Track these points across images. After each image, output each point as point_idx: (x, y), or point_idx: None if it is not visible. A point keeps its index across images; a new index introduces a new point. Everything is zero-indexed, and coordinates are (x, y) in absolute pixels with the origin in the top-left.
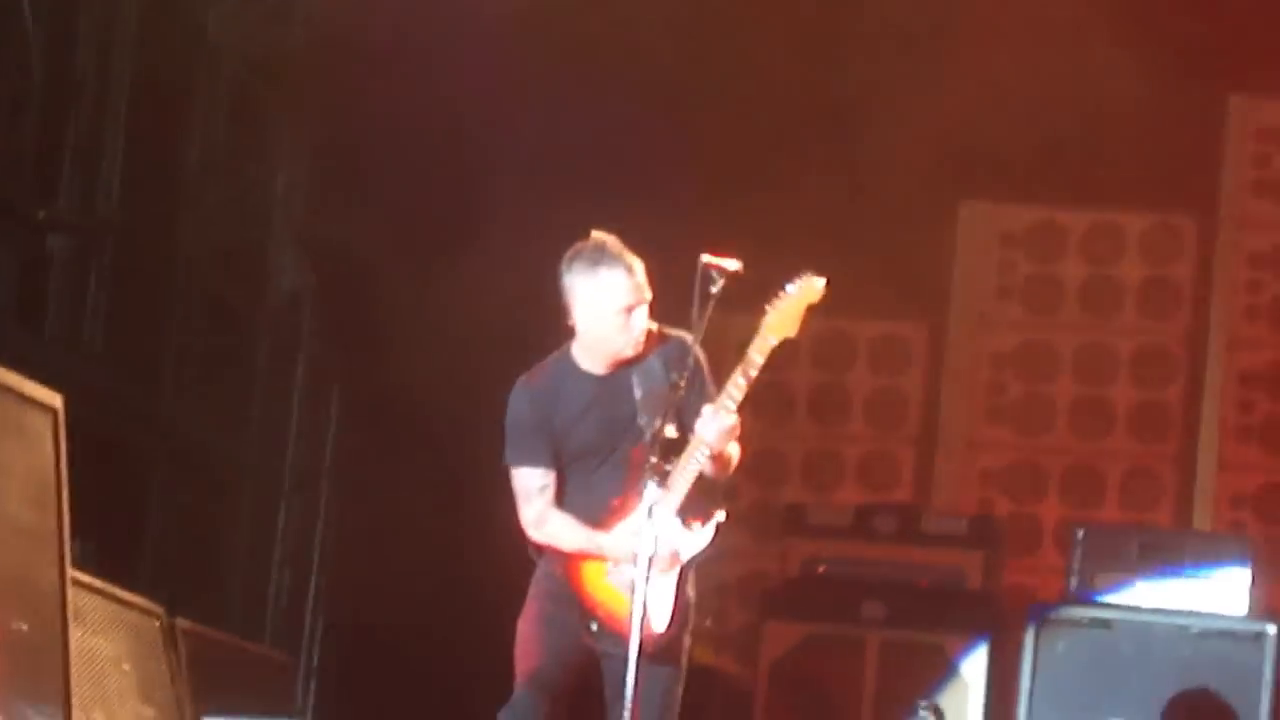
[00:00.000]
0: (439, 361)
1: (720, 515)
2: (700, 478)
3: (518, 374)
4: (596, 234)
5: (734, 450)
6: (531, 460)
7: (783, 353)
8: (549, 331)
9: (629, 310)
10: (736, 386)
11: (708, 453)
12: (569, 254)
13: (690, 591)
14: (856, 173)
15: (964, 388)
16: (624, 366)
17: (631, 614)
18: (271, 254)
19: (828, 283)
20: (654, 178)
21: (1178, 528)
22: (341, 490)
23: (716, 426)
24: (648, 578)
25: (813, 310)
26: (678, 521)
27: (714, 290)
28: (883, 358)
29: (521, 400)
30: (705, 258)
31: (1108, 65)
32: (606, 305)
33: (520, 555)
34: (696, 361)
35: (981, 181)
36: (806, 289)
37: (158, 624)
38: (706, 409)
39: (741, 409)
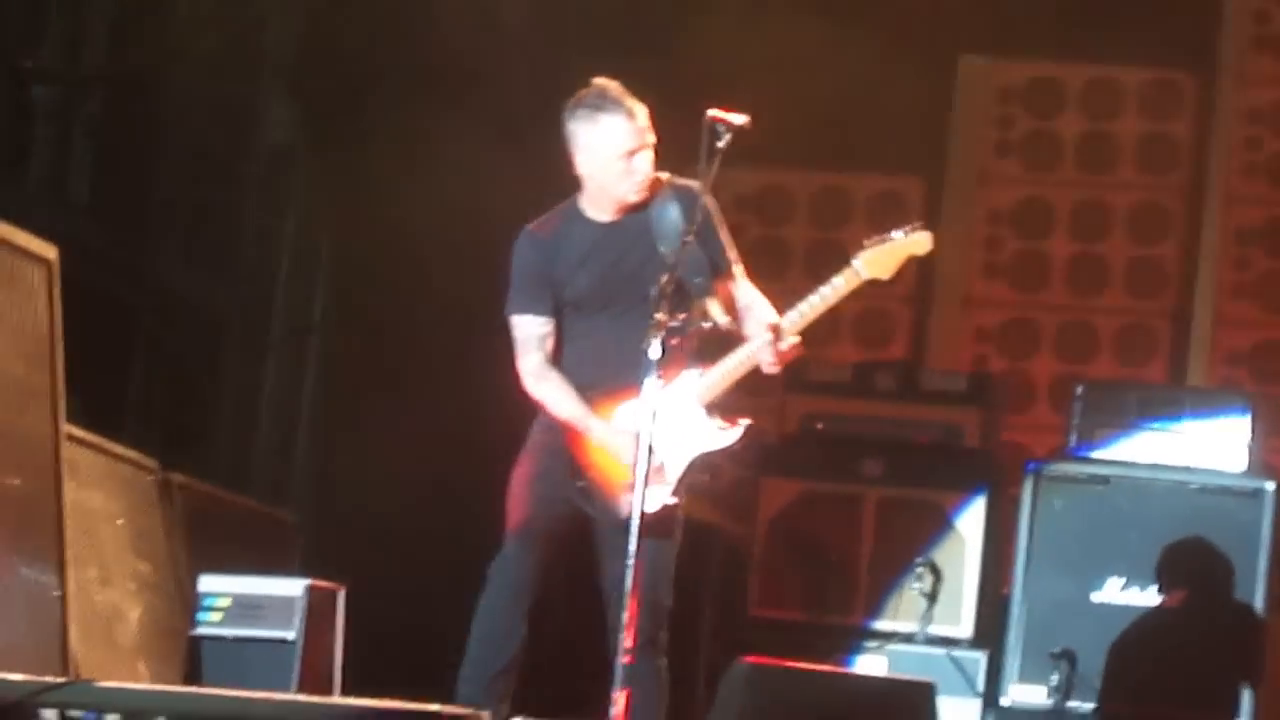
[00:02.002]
0: (433, 215)
1: (747, 421)
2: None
3: (516, 226)
4: (598, 80)
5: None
6: (531, 308)
7: (780, 206)
8: (549, 187)
9: (631, 154)
10: (810, 306)
11: (755, 358)
12: (571, 101)
13: (690, 479)
14: (854, 25)
15: (960, 244)
16: (632, 213)
17: (621, 483)
18: (261, 105)
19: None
20: (652, 30)
21: (1173, 384)
22: (331, 344)
23: (778, 351)
24: (650, 452)
25: (911, 260)
26: (703, 413)
27: (720, 145)
28: (879, 213)
29: (524, 247)
30: (712, 112)
31: None
32: (608, 150)
33: (516, 410)
34: (707, 212)
35: (980, 36)
36: (915, 241)
37: (151, 478)
38: (767, 334)
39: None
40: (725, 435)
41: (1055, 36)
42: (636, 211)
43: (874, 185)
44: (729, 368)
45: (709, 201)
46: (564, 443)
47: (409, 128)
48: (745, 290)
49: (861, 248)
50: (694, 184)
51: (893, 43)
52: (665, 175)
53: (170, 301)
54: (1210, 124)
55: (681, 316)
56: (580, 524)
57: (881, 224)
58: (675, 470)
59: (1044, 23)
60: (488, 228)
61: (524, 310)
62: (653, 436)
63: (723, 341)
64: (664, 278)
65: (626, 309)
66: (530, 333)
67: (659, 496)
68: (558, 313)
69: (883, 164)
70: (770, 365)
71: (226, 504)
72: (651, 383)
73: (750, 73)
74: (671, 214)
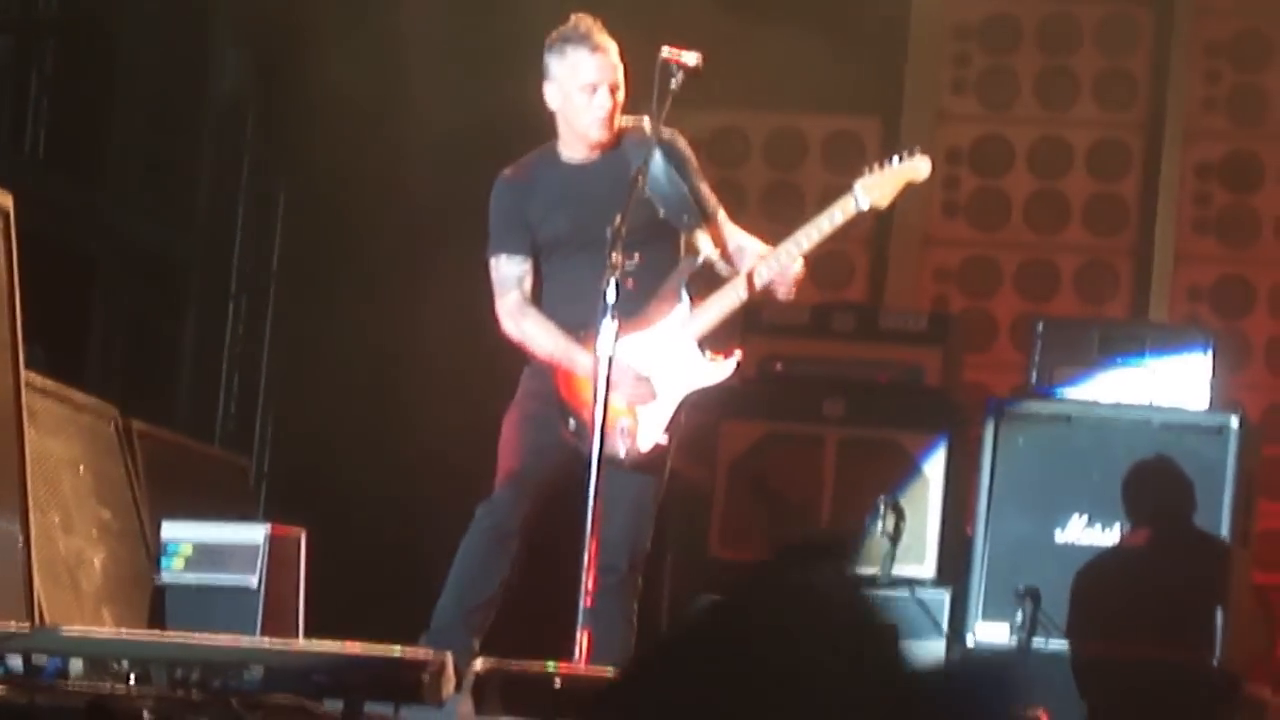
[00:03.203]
0: (390, 162)
1: (738, 354)
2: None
3: (476, 172)
4: (576, 15)
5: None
6: (505, 248)
7: (734, 149)
8: (511, 137)
9: (593, 88)
10: (807, 237)
11: (745, 291)
12: (550, 36)
13: (683, 416)
14: None
15: (919, 183)
16: (607, 155)
17: (614, 423)
18: (213, 54)
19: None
20: None
21: (1135, 320)
22: (290, 293)
23: (787, 278)
24: (607, 392)
25: (910, 187)
26: (697, 349)
27: (673, 85)
28: (835, 154)
29: (498, 193)
30: (665, 51)
31: None
32: (571, 82)
33: (478, 356)
34: (686, 155)
35: None
36: (912, 167)
37: (112, 426)
38: (771, 259)
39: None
40: (719, 369)
41: None
42: (611, 152)
43: (829, 125)
44: (722, 303)
45: (683, 144)
46: (553, 386)
47: (363, 74)
48: (734, 232)
49: (861, 175)
50: (670, 130)
51: None
52: (646, 120)
53: (129, 250)
54: (1168, 58)
55: (636, 256)
56: (575, 469)
57: (838, 165)
58: (668, 408)
59: None
60: (446, 172)
61: (499, 251)
62: (650, 374)
63: (713, 279)
64: (616, 219)
65: (604, 249)
66: (507, 272)
67: (651, 435)
68: (536, 255)
69: (838, 104)
70: (785, 293)
71: (187, 451)
72: (607, 325)
73: (703, 12)
74: (656, 158)
